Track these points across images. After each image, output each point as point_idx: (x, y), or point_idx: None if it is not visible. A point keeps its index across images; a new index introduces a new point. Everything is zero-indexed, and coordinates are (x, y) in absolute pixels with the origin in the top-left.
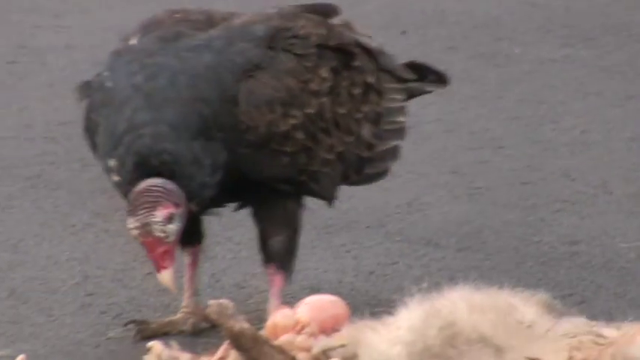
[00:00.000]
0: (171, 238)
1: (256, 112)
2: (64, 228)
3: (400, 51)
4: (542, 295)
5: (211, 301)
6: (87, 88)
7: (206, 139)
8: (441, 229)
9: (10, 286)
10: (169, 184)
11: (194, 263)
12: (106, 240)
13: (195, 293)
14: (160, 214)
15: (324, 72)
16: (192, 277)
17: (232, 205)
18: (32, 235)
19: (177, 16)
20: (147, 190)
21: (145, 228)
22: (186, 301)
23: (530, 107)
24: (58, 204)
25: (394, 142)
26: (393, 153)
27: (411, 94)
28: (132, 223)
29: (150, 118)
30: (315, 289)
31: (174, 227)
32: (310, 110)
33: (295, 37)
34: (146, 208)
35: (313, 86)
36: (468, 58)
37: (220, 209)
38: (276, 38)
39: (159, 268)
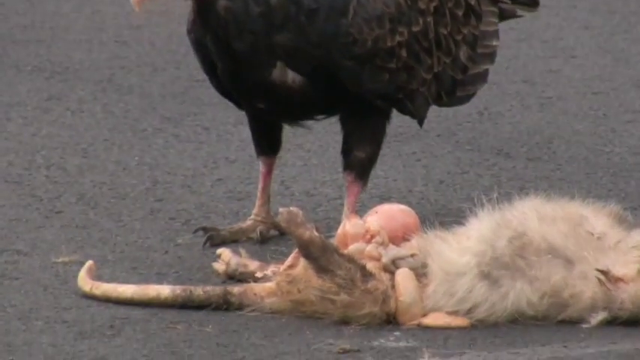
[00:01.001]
0: None
1: (366, 25)
2: (133, 133)
3: None
4: (613, 207)
5: (281, 209)
6: None
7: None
8: (511, 139)
9: (80, 191)
10: None
11: (268, 173)
12: (176, 145)
13: (267, 202)
14: None
15: None
16: (266, 186)
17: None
18: (102, 140)
19: None
20: None
21: None
22: (257, 208)
23: (602, 17)
24: (128, 109)
25: (485, 66)
26: (483, 77)
27: (502, 17)
28: None
29: None
30: (384, 198)
31: None
32: (416, 28)
33: None
34: None
35: (421, 5)
36: None
37: (309, 121)
38: None
39: None
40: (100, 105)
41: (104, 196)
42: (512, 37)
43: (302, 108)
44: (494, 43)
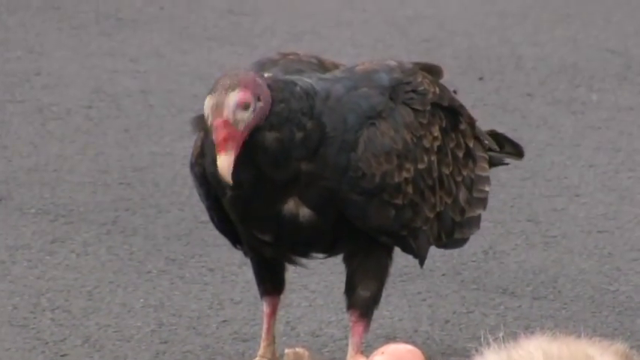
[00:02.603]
0: (240, 126)
1: (374, 160)
2: (138, 275)
3: (477, 97)
4: (620, 345)
5: (287, 350)
6: (201, 121)
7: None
8: (516, 278)
9: (85, 333)
10: (261, 78)
11: (272, 313)
12: (181, 287)
13: (273, 342)
14: (236, 97)
15: (436, 130)
16: (270, 327)
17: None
18: (107, 282)
19: (290, 57)
20: (235, 72)
21: (218, 107)
22: (262, 349)
23: (606, 155)
24: (132, 250)
25: (479, 211)
26: (477, 222)
27: (491, 164)
28: (208, 101)
29: None
30: (390, 338)
31: (245, 115)
32: (421, 166)
33: (414, 92)
34: (225, 88)
35: (425, 143)
36: (545, 105)
37: (306, 259)
38: (398, 90)
39: (219, 151)
40: (104, 247)
41: (109, 339)
42: (516, 176)
43: (307, 243)
44: (487, 188)
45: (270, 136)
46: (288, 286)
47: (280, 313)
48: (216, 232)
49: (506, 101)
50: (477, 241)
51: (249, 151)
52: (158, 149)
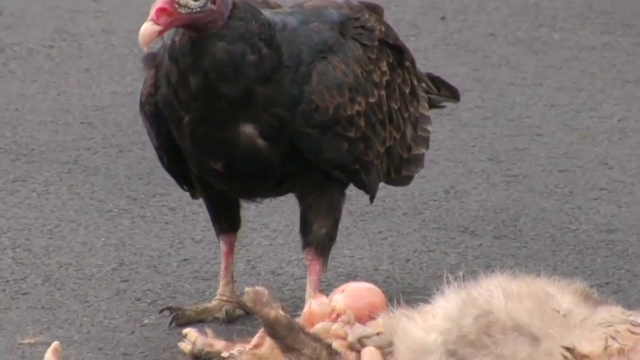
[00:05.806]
0: (182, 10)
1: (328, 93)
2: (99, 214)
3: (439, 37)
4: (579, 284)
5: (247, 289)
6: (153, 59)
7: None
8: (477, 217)
9: (46, 272)
10: None
11: (230, 251)
12: (142, 226)
13: (231, 281)
14: None
15: (384, 66)
16: (228, 265)
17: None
18: (68, 221)
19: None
20: None
21: None
22: (221, 288)
23: (568, 95)
24: (94, 190)
25: (422, 150)
26: (421, 160)
27: (430, 105)
28: None
29: None
30: (350, 276)
31: (192, 3)
32: (372, 100)
33: (363, 27)
34: None
35: (375, 77)
36: (507, 45)
37: (261, 197)
38: (347, 25)
39: (150, 18)
40: (65, 186)
41: (70, 277)
42: (478, 115)
43: (258, 176)
44: (429, 128)
45: (220, 45)
46: (248, 225)
47: (241, 252)
48: None
49: (468, 41)
50: (438, 181)
51: (199, 55)
52: (120, 89)
